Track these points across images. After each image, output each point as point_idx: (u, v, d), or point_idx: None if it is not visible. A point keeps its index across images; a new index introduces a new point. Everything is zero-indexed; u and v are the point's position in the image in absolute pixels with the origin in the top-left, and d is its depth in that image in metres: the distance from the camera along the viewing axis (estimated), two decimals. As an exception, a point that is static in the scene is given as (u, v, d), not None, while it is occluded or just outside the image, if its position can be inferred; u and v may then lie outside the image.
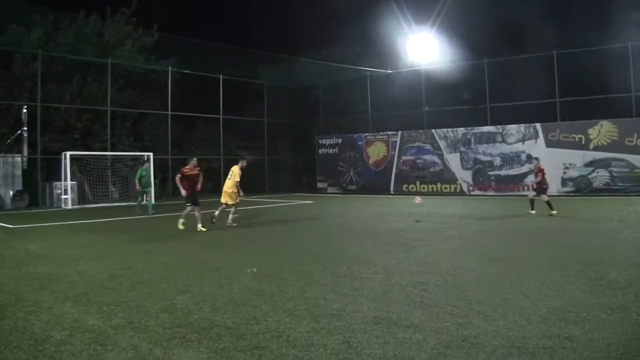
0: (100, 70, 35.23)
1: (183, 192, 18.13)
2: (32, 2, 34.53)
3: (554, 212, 20.55)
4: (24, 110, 30.44)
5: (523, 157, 31.54)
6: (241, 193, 19.50)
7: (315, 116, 44.16)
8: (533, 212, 21.33)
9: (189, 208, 18.48)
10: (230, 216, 19.59)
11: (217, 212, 19.29)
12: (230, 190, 19.35)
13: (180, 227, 18.02)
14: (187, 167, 18.53)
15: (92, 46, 35.81)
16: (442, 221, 19.24)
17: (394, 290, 8.63)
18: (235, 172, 19.41)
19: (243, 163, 19.72)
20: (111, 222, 21.60)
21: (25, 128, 30.49)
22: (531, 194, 22.67)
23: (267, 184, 42.89)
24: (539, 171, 22.15)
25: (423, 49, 38.44)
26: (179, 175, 18.40)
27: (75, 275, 10.44)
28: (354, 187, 38.59)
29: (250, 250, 13.41)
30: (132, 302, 8.22)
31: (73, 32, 35.57)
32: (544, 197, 21.51)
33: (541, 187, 21.98)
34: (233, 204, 19.49)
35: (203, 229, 17.57)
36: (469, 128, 33.84)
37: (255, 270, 10.55)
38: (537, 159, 23.29)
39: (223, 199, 19.45)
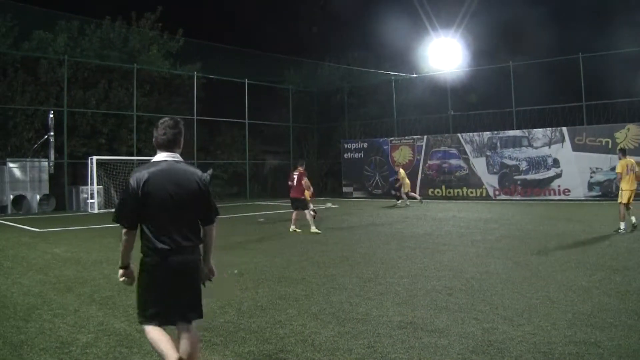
0: (126, 76, 35.51)
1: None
2: (57, 8, 34.91)
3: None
4: (51, 115, 30.79)
5: (549, 161, 31.26)
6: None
7: (340, 120, 44.07)
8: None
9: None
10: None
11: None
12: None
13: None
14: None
15: (118, 51, 36.08)
16: (468, 225, 19.14)
17: (419, 294, 8.63)
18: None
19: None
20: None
21: (52, 133, 30.85)
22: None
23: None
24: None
25: (448, 52, 38.31)
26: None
27: (101, 278, 10.53)
28: (379, 191, 38.37)
29: (274, 254, 13.42)
30: (158, 305, 8.22)
31: (98, 37, 35.88)
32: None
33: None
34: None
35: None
36: (495, 132, 33.59)
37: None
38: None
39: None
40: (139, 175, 4.82)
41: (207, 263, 5.16)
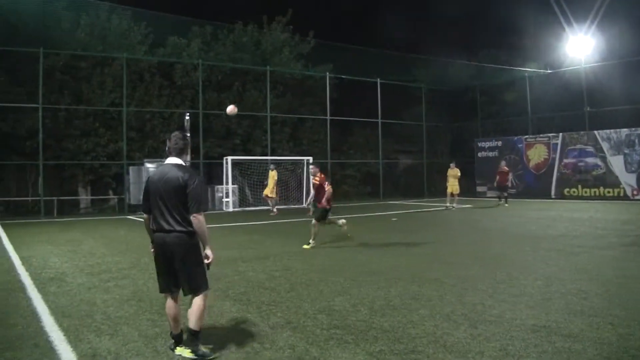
0: (259, 78, 36.45)
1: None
2: (190, 14, 36.22)
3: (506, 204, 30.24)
4: (187, 118, 31.89)
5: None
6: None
7: (472, 118, 43.59)
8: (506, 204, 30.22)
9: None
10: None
11: None
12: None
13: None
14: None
15: (250, 55, 37.05)
16: (604, 227, 18.60)
17: (553, 298, 8.52)
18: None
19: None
20: (270, 225, 22.18)
21: (188, 134, 31.87)
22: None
23: (425, 188, 42.60)
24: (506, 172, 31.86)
25: (583, 47, 37.20)
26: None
27: (235, 275, 10.92)
28: (513, 191, 37.56)
29: (407, 254, 13.48)
30: (291, 302, 8.54)
31: (231, 41, 36.96)
32: (504, 194, 31.23)
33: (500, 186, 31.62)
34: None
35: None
36: (633, 129, 32.41)
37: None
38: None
39: None
40: (148, 175, 6.70)
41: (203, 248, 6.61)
